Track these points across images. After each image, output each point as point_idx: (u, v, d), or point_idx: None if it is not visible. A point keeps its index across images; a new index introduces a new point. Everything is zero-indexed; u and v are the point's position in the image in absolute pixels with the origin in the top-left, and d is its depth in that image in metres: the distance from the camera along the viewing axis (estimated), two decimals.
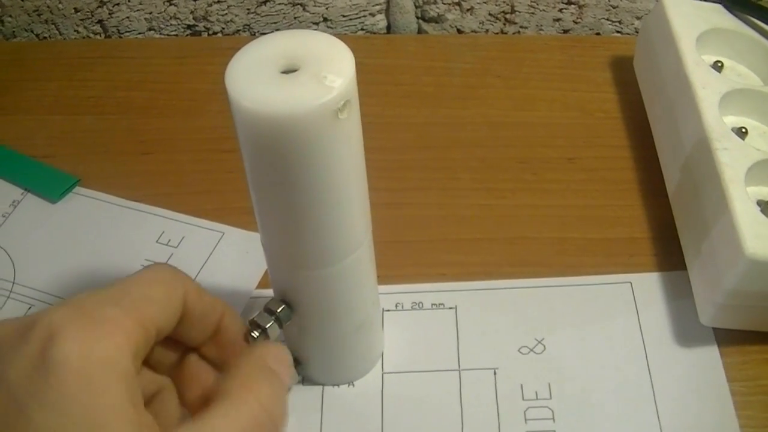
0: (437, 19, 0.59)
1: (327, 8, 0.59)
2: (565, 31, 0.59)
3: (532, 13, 0.58)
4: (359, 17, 0.60)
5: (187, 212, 0.46)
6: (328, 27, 0.60)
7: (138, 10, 0.59)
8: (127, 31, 0.60)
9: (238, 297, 0.41)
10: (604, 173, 0.47)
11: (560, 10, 0.58)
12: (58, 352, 0.24)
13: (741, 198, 0.37)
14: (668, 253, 0.42)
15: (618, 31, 0.59)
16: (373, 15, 0.60)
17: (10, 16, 0.60)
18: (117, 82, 0.54)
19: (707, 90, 0.42)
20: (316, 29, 0.60)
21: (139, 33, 0.60)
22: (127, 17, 0.59)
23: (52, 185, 0.47)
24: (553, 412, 0.37)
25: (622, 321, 0.40)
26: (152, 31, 0.60)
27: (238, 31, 0.60)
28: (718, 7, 0.48)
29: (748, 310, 0.37)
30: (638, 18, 0.58)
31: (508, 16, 0.58)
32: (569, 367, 0.38)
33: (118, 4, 0.58)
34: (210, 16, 0.59)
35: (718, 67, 0.46)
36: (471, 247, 0.44)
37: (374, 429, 0.36)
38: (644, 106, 0.49)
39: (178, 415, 0.32)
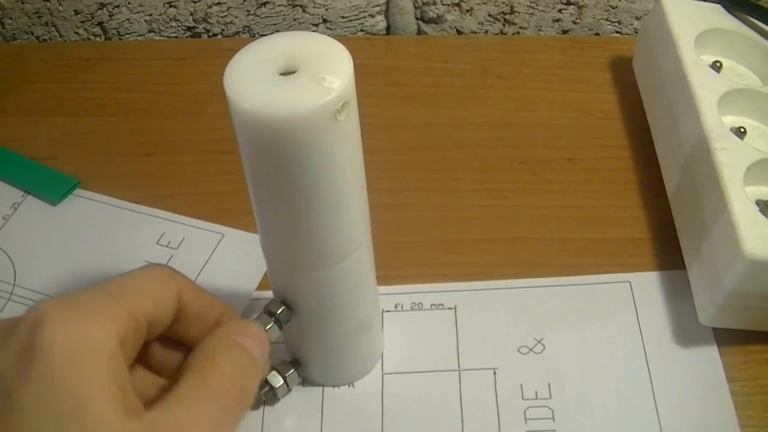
0: (437, 20, 0.59)
1: (326, 9, 0.59)
2: (565, 32, 0.59)
3: (532, 14, 0.58)
4: (359, 18, 0.60)
5: (187, 213, 0.46)
6: (327, 28, 0.60)
7: (138, 12, 0.59)
8: (127, 33, 0.60)
9: (238, 298, 0.41)
10: (603, 174, 0.47)
11: (559, 11, 0.58)
12: (43, 334, 0.25)
13: (740, 198, 0.37)
14: (668, 253, 0.43)
15: (617, 32, 0.59)
16: (372, 16, 0.60)
17: (11, 18, 0.60)
18: (117, 84, 0.54)
19: (706, 90, 0.42)
20: (315, 31, 0.60)
21: (139, 35, 0.61)
22: (127, 19, 0.59)
23: (52, 187, 0.47)
24: (553, 411, 0.37)
25: (622, 321, 0.40)
26: (152, 33, 0.60)
27: (238, 32, 0.60)
28: (717, 7, 0.48)
29: (747, 310, 0.37)
30: (637, 18, 0.58)
31: (507, 16, 0.59)
32: (569, 366, 0.38)
33: (118, 6, 0.59)
34: (210, 17, 0.59)
35: (717, 67, 0.46)
36: (471, 247, 0.44)
37: (374, 430, 0.36)
38: (644, 107, 0.49)
39: None
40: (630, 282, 0.41)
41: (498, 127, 0.50)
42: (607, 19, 0.58)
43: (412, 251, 0.44)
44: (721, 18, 0.47)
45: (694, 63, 0.43)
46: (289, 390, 0.37)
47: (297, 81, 0.27)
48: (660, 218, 0.44)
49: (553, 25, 0.59)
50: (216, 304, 0.32)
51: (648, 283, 0.41)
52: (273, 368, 0.37)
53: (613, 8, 0.57)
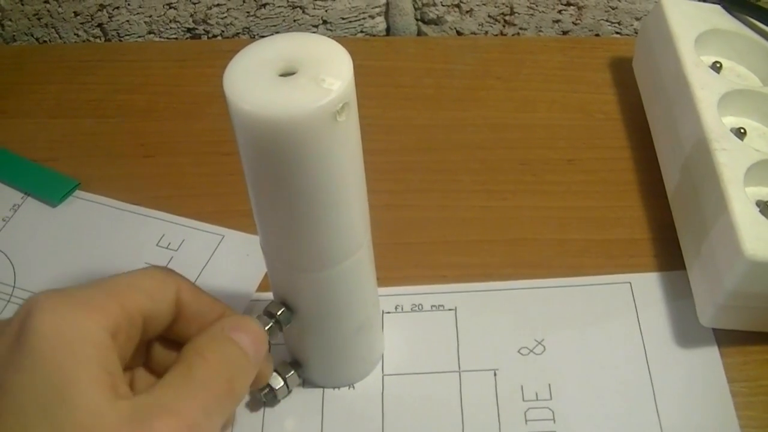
0: (437, 21, 0.59)
1: (326, 11, 0.59)
2: (565, 33, 0.59)
3: (532, 15, 0.58)
4: (359, 20, 0.60)
5: (188, 215, 0.46)
6: (327, 30, 0.60)
7: (138, 13, 0.59)
8: (126, 35, 0.60)
9: (239, 300, 0.41)
10: (604, 174, 0.47)
11: (559, 12, 0.58)
12: (33, 322, 0.25)
13: (740, 198, 0.37)
14: (668, 253, 0.42)
15: (617, 32, 0.59)
16: (372, 17, 0.60)
17: (10, 20, 0.60)
18: (117, 86, 0.54)
19: (706, 91, 0.42)
20: (315, 32, 0.60)
21: (139, 36, 0.61)
22: (127, 21, 0.59)
23: (52, 189, 0.47)
24: (553, 412, 0.37)
25: (622, 322, 0.40)
26: (152, 35, 0.60)
27: (238, 34, 0.60)
28: (717, 7, 0.48)
29: (747, 311, 0.37)
30: (637, 19, 0.58)
31: (507, 17, 0.59)
32: (569, 367, 0.38)
33: (117, 7, 0.59)
34: (209, 19, 0.59)
35: (717, 67, 0.46)
36: (471, 248, 0.44)
37: (375, 431, 0.36)
38: (644, 107, 0.49)
39: None
40: (630, 283, 0.41)
41: (498, 128, 0.50)
42: (607, 20, 0.58)
43: (413, 252, 0.44)
44: (721, 18, 0.47)
45: (694, 64, 0.43)
46: (290, 391, 0.37)
47: (297, 82, 0.27)
48: (660, 219, 0.44)
49: (553, 26, 0.59)
50: (216, 304, 0.32)
51: (648, 284, 0.41)
52: (273, 369, 0.36)
53: (613, 9, 0.57)
